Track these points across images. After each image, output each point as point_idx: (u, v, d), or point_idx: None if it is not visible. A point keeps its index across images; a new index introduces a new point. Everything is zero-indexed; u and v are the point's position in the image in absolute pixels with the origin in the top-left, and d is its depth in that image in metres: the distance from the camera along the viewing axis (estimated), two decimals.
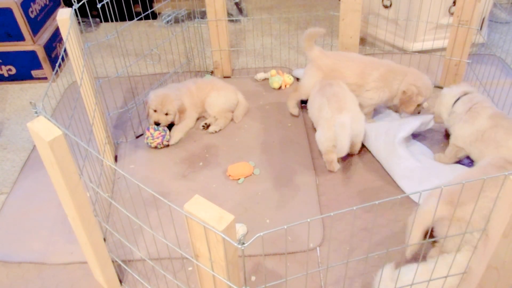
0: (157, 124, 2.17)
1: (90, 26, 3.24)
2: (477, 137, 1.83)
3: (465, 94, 1.95)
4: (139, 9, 3.23)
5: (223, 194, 1.93)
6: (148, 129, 2.17)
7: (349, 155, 2.10)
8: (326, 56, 2.23)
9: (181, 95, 2.24)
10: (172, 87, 2.28)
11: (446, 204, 1.44)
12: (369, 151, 2.11)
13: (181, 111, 2.22)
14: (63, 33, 1.70)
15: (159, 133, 2.15)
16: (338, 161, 2.02)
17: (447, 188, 1.33)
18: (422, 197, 1.71)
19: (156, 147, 2.18)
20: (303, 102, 2.44)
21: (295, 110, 2.36)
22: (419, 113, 2.18)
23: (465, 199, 1.42)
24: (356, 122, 1.96)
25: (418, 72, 2.13)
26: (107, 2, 2.08)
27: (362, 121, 2.01)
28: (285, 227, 0.94)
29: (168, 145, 2.20)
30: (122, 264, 1.49)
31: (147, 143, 2.17)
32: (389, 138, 2.00)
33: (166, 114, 2.17)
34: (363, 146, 2.13)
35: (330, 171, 2.01)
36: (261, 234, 0.89)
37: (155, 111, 2.17)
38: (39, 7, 2.78)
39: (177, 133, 2.23)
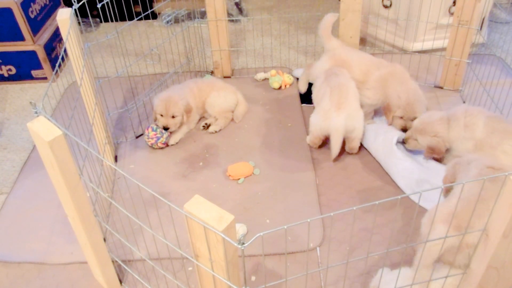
0: (166, 128, 2.15)
1: (90, 26, 3.24)
2: (475, 146, 1.83)
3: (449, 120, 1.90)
4: (139, 9, 3.23)
5: (223, 194, 1.93)
6: (147, 128, 2.17)
7: (348, 154, 2.10)
8: (342, 47, 2.34)
9: (185, 95, 2.22)
10: (175, 88, 2.26)
11: (453, 230, 1.31)
12: (369, 152, 2.11)
13: (188, 111, 2.19)
14: (63, 33, 1.70)
15: (155, 134, 2.14)
16: (336, 159, 2.05)
17: (450, 211, 1.30)
18: (422, 197, 1.71)
19: (151, 147, 2.18)
20: (303, 102, 2.45)
21: (303, 88, 2.50)
22: (403, 130, 2.06)
23: (470, 221, 1.30)
24: (352, 119, 1.98)
25: (414, 87, 2.05)
26: (107, 2, 2.08)
27: (359, 118, 2.02)
28: (285, 227, 0.94)
29: (166, 146, 2.20)
30: (122, 264, 1.49)
31: (145, 140, 2.18)
32: (388, 139, 2.01)
33: (173, 117, 2.15)
34: (362, 146, 2.13)
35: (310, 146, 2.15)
36: (261, 234, 0.89)
37: (161, 115, 2.14)
38: (39, 7, 2.78)
39: (177, 133, 2.23)
